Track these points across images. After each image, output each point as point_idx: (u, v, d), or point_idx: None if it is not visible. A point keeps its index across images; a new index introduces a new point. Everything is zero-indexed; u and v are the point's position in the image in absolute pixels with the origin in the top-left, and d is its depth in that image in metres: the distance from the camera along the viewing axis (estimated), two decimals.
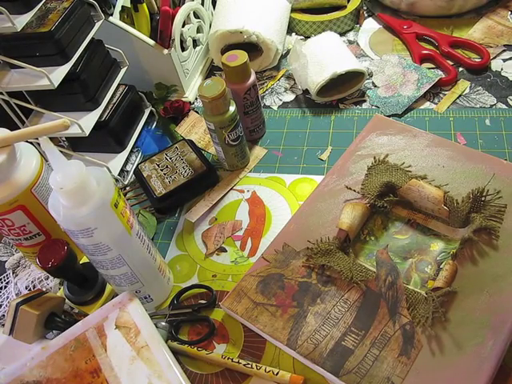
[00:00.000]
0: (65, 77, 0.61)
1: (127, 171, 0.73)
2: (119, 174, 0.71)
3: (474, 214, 0.53)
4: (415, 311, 0.48)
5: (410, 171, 0.59)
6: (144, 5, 0.75)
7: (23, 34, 0.59)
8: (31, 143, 0.63)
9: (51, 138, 0.46)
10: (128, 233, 0.48)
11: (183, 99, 0.79)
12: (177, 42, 0.75)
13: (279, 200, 0.64)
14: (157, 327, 0.50)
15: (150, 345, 0.47)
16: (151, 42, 0.74)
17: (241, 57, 0.64)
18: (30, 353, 0.48)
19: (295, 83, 0.79)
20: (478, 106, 0.69)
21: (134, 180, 0.71)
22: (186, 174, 0.66)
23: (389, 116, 0.70)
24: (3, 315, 0.60)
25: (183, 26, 0.76)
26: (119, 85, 0.72)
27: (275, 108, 0.77)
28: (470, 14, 0.83)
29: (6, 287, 0.63)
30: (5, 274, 0.65)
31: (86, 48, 0.65)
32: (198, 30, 0.81)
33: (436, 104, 0.71)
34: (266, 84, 0.81)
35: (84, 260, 0.59)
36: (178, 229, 0.64)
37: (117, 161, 0.72)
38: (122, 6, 0.73)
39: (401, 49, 0.81)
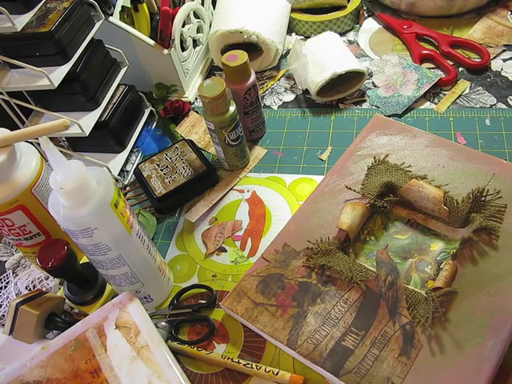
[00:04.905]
0: (65, 77, 0.61)
1: (127, 171, 0.73)
2: (119, 174, 0.71)
3: (473, 214, 0.53)
4: (415, 311, 0.48)
5: (410, 171, 0.59)
6: (144, 5, 0.75)
7: (23, 34, 0.59)
8: (31, 143, 0.63)
9: (51, 138, 0.46)
10: (128, 233, 0.48)
11: (183, 99, 0.79)
12: (177, 42, 0.75)
13: (279, 200, 0.64)
14: (157, 327, 0.50)
15: (150, 345, 0.47)
16: (151, 42, 0.74)
17: (241, 57, 0.64)
18: (30, 353, 0.48)
19: (295, 83, 0.79)
20: (477, 106, 0.69)
21: (134, 180, 0.71)
22: (186, 174, 0.66)
23: (389, 116, 0.70)
24: (3, 315, 0.60)
25: (183, 26, 0.76)
26: (119, 85, 0.72)
27: (275, 108, 0.77)
28: (469, 14, 0.83)
29: (6, 287, 0.63)
30: (5, 274, 0.65)
31: (86, 48, 0.65)
32: (198, 30, 0.81)
33: (436, 104, 0.71)
34: (266, 84, 0.81)
35: (84, 260, 0.60)
36: (178, 229, 0.64)
37: (117, 161, 0.72)
38: (122, 6, 0.73)
39: (401, 49, 0.81)
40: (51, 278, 0.63)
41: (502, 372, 0.45)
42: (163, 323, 0.53)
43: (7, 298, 0.62)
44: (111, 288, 0.57)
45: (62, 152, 0.45)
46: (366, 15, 0.88)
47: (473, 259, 0.51)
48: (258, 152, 0.71)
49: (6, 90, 0.62)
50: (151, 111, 0.79)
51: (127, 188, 0.71)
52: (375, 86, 0.75)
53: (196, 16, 0.80)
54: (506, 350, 0.45)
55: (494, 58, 0.75)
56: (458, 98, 0.71)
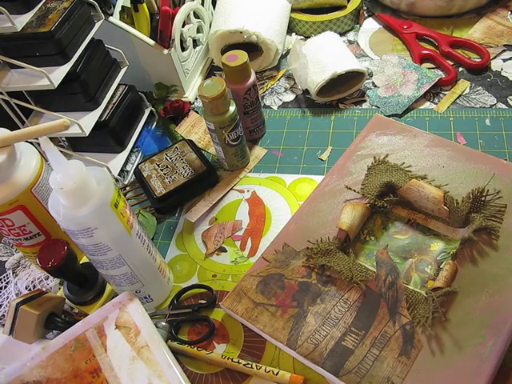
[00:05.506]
0: (65, 77, 0.61)
1: (127, 171, 0.73)
2: (119, 174, 0.71)
3: (474, 214, 0.53)
4: (415, 311, 0.48)
5: (410, 171, 0.59)
6: (144, 5, 0.75)
7: (23, 34, 0.59)
8: (31, 143, 0.63)
9: (51, 138, 0.46)
10: (128, 233, 0.48)
11: (183, 99, 0.79)
12: (177, 42, 0.75)
13: (279, 200, 0.64)
14: (157, 327, 0.50)
15: (150, 345, 0.47)
16: (151, 41, 0.74)
17: (241, 57, 0.64)
18: (30, 353, 0.48)
19: (295, 83, 0.79)
20: (477, 106, 0.69)
21: (134, 180, 0.71)
22: (186, 174, 0.66)
23: (389, 116, 0.70)
24: (3, 315, 0.60)
25: (183, 26, 0.76)
26: (119, 85, 0.72)
27: (275, 108, 0.77)
28: (469, 14, 0.83)
29: (6, 287, 0.63)
30: (5, 274, 0.65)
31: (86, 48, 0.65)
32: (198, 30, 0.81)
33: (436, 104, 0.71)
34: (266, 84, 0.81)
35: (84, 260, 0.60)
36: (178, 229, 0.64)
37: (117, 161, 0.72)
38: (122, 6, 0.73)
39: (401, 49, 0.81)
40: (51, 278, 0.63)
41: (502, 372, 0.45)
42: (163, 323, 0.53)
43: (7, 298, 0.62)
44: (111, 288, 0.57)
45: (62, 152, 0.45)
46: (366, 15, 0.88)
47: (473, 259, 0.51)
48: (258, 152, 0.71)
49: (6, 90, 0.62)
50: (151, 111, 0.79)
51: (127, 188, 0.71)
52: (375, 86, 0.75)
53: (196, 16, 0.80)
54: (506, 349, 0.45)
55: (494, 57, 0.75)
56: (458, 98, 0.71)
